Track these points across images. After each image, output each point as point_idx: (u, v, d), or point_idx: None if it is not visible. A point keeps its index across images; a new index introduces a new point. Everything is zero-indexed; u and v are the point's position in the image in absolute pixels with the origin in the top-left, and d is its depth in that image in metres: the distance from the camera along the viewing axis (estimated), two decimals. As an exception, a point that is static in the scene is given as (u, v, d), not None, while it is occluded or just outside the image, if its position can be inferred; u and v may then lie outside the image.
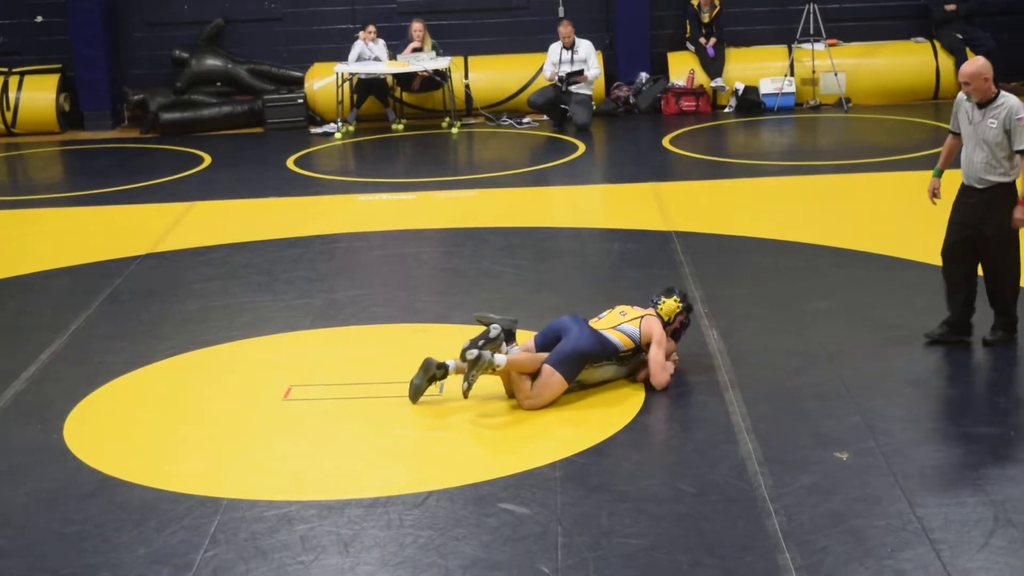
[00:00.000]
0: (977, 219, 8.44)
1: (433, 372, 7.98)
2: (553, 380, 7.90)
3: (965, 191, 8.52)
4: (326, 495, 6.87)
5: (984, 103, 8.34)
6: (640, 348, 8.22)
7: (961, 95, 8.53)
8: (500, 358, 7.80)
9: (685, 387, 8.16)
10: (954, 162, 8.78)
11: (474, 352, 7.75)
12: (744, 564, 6.01)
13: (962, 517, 6.33)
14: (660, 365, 8.09)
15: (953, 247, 8.60)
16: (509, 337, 8.14)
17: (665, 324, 8.31)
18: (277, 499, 6.83)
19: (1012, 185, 8.37)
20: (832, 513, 6.43)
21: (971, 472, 6.80)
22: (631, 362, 8.27)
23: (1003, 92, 8.39)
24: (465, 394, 7.81)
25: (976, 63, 8.34)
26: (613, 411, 7.83)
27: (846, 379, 8.11)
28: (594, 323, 8.25)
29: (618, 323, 8.26)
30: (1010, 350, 8.67)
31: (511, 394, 8.00)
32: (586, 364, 8.04)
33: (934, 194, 8.89)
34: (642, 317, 8.27)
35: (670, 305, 8.39)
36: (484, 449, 7.54)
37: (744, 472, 6.92)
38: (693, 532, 6.32)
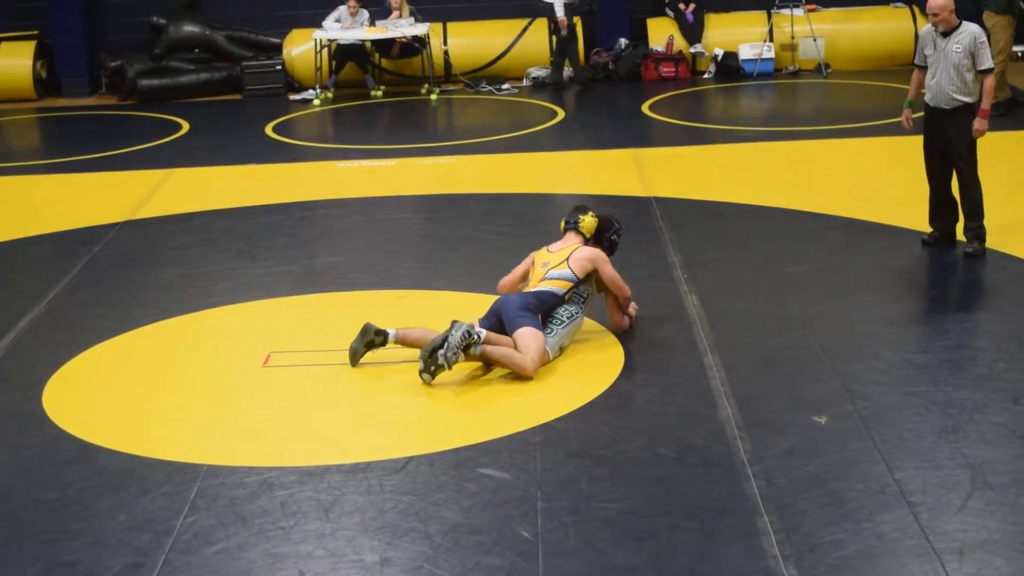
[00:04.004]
0: (947, 134, 9.59)
1: (371, 338, 7.98)
2: (527, 331, 7.88)
3: (934, 112, 9.66)
4: (306, 461, 6.87)
5: (948, 32, 9.48)
6: (581, 281, 8.23)
7: (926, 29, 9.70)
8: (481, 331, 7.79)
9: (664, 351, 8.18)
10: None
11: (462, 327, 7.70)
12: (723, 527, 6.04)
13: (940, 480, 6.37)
14: (618, 282, 8.28)
15: (932, 162, 9.77)
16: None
17: (589, 243, 8.42)
18: (257, 465, 6.83)
19: (973, 105, 9.56)
20: (811, 476, 6.46)
21: (949, 435, 6.84)
22: (588, 296, 8.29)
23: (964, 21, 9.53)
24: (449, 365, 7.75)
25: None
26: (592, 376, 7.84)
27: (825, 343, 8.13)
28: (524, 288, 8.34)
29: (544, 275, 8.27)
30: (988, 314, 8.73)
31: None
32: (539, 312, 8.05)
33: (907, 122, 10.00)
34: (568, 257, 8.28)
35: (588, 221, 8.46)
36: (464, 414, 7.54)
37: (723, 436, 6.94)
38: (672, 496, 6.34)
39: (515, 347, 7.88)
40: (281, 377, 8.08)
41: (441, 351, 7.65)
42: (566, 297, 8.24)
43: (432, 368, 7.73)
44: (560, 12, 17.12)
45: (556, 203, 12.05)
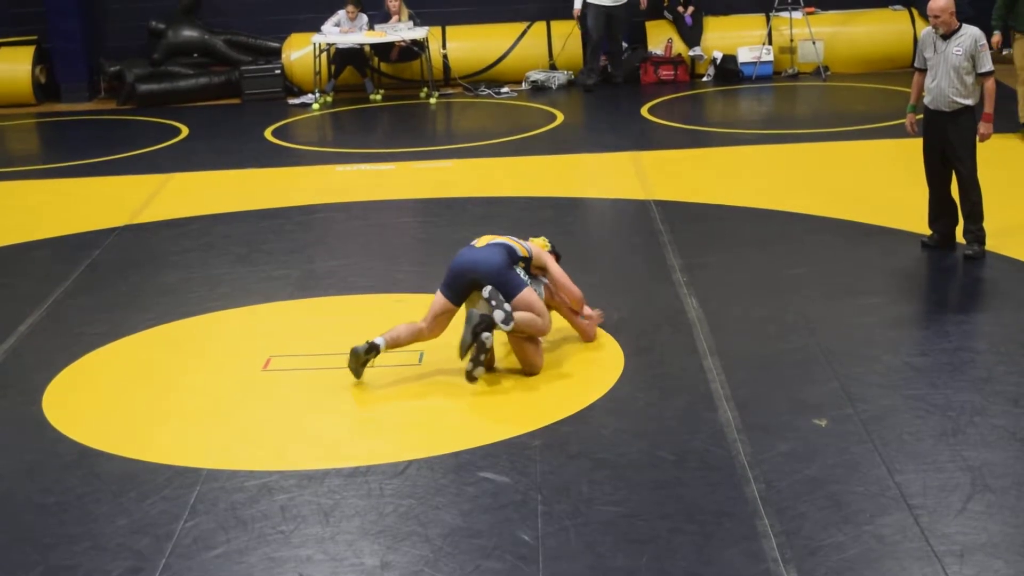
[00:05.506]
0: (947, 136, 9.59)
1: (364, 358, 7.86)
2: (529, 296, 7.82)
3: (934, 115, 9.66)
4: (306, 465, 6.87)
5: (949, 34, 9.49)
6: (531, 259, 8.13)
7: (925, 31, 9.72)
8: (504, 326, 7.73)
9: (664, 354, 8.18)
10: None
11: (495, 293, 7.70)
12: (723, 530, 6.04)
13: (940, 483, 6.37)
14: (566, 279, 8.16)
15: (932, 165, 9.76)
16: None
17: None
18: (257, 469, 6.84)
19: (973, 107, 9.58)
20: (811, 479, 6.46)
21: (949, 438, 6.84)
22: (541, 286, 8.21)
23: (964, 24, 9.53)
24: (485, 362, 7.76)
25: None
26: (592, 379, 7.84)
27: (824, 346, 8.13)
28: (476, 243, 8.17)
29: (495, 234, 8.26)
30: (988, 316, 8.73)
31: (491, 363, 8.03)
32: (514, 267, 7.93)
33: (911, 127, 10.03)
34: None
35: (539, 242, 8.42)
36: (464, 418, 7.55)
37: (723, 439, 6.94)
38: (672, 499, 6.34)
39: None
40: (281, 381, 8.08)
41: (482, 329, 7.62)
42: (522, 254, 8.04)
43: (482, 357, 7.67)
44: (577, 4, 17.22)
45: (555, 207, 12.05)
